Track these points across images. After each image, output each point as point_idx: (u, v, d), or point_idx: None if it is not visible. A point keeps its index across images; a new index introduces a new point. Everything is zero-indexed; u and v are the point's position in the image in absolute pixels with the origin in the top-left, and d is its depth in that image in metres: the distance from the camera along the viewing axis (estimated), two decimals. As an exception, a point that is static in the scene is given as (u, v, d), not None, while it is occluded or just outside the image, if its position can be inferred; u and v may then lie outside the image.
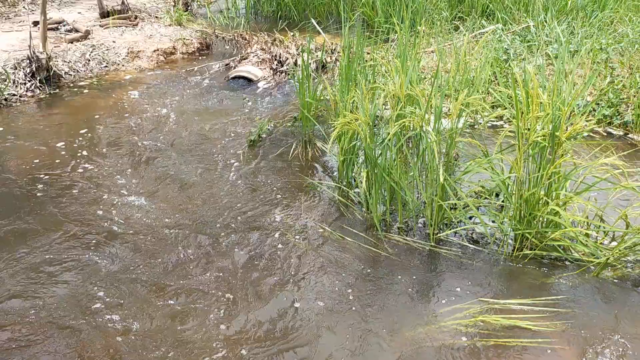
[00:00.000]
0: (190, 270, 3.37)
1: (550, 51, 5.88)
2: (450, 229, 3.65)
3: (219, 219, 3.85)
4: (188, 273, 3.35)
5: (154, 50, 7.13)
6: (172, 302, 3.11)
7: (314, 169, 4.53)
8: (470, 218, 3.76)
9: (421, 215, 3.80)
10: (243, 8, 9.02)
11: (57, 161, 4.56)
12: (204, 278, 3.30)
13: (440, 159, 3.55)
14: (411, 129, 3.79)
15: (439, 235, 3.61)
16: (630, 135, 4.91)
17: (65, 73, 6.35)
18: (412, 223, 3.77)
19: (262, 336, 2.89)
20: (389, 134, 3.61)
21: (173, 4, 8.75)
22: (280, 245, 3.57)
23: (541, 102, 3.23)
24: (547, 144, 3.23)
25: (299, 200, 4.07)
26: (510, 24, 6.86)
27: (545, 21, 6.67)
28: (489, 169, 3.53)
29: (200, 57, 7.34)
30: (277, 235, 3.68)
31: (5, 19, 7.87)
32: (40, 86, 5.96)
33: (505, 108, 4.63)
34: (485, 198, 3.78)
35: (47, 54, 6.08)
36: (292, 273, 3.34)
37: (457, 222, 3.68)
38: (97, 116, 5.43)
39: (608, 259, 3.22)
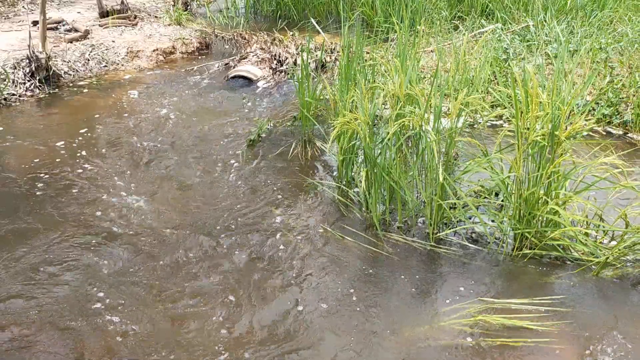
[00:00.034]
0: (191, 271, 3.37)
1: (549, 50, 5.88)
2: (450, 229, 3.65)
3: (219, 219, 3.85)
4: (189, 274, 3.34)
5: (154, 50, 7.13)
6: (173, 304, 3.11)
7: (314, 168, 4.53)
8: (470, 217, 3.76)
9: (421, 215, 3.80)
10: (242, 7, 9.01)
11: (56, 161, 4.55)
12: (205, 279, 3.29)
13: (439, 158, 3.56)
14: (410, 128, 3.79)
15: (438, 234, 3.61)
16: (629, 135, 4.91)
17: (65, 73, 6.34)
18: (412, 222, 3.77)
19: (266, 338, 2.88)
20: (388, 133, 3.61)
21: (172, 3, 8.74)
22: (281, 246, 3.57)
23: (540, 102, 3.23)
24: (546, 144, 3.23)
25: (299, 200, 4.07)
26: (510, 23, 6.86)
27: (545, 20, 6.67)
28: (488, 169, 3.53)
29: (199, 57, 7.33)
30: (277, 235, 3.68)
31: (5, 18, 7.86)
32: (40, 86, 5.96)
33: (505, 107, 4.63)
34: (485, 197, 3.78)
35: (46, 53, 6.07)
36: (294, 274, 3.34)
37: (457, 221, 3.68)
38: (96, 116, 5.43)
39: (608, 258, 3.22)
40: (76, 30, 7.34)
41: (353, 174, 4.20)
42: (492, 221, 3.65)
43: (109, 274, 3.32)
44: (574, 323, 2.95)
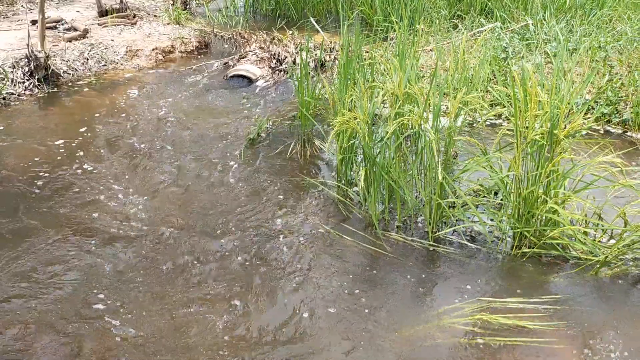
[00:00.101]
0: (192, 272, 3.36)
1: (548, 49, 5.88)
2: (449, 228, 3.65)
3: (218, 220, 3.85)
4: (189, 275, 3.34)
5: (153, 49, 7.12)
6: (174, 306, 3.09)
7: (313, 167, 4.53)
8: (469, 217, 3.75)
9: (420, 214, 3.80)
10: (242, 7, 9.00)
11: (55, 161, 4.55)
12: (206, 281, 3.28)
13: (438, 157, 3.56)
14: (410, 127, 3.79)
15: (437, 233, 3.61)
16: (628, 133, 4.91)
17: (64, 72, 6.34)
18: (411, 222, 3.77)
19: (268, 340, 2.87)
20: (387, 132, 3.61)
21: (172, 2, 8.74)
22: (281, 247, 3.57)
23: (540, 101, 3.23)
24: (545, 142, 3.23)
25: (298, 200, 4.07)
26: (509, 22, 6.86)
27: (544, 19, 6.67)
28: (487, 168, 3.53)
29: (199, 56, 7.33)
30: (277, 236, 3.67)
31: (4, 17, 7.85)
32: (39, 85, 5.95)
33: (504, 106, 4.63)
34: (484, 196, 3.78)
35: (45, 52, 6.07)
36: (294, 275, 3.34)
37: (456, 220, 3.68)
38: (95, 115, 5.42)
39: (607, 257, 3.22)
40: (75, 30, 7.33)
41: (352, 173, 4.20)
42: (491, 220, 3.65)
43: (109, 275, 3.32)
44: (573, 322, 2.95)
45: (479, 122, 4.86)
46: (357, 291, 3.19)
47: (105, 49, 6.96)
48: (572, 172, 3.34)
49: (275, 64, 6.56)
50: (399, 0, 6.79)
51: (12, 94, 5.74)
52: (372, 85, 4.14)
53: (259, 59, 6.63)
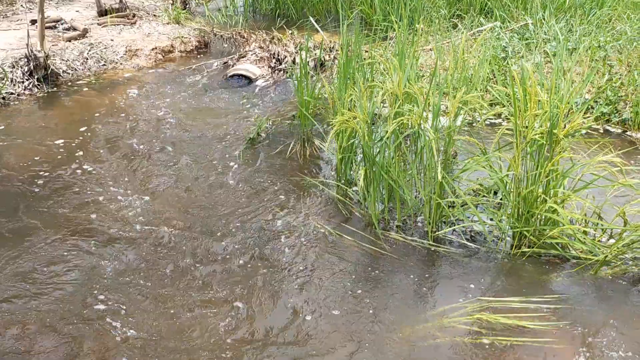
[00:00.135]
0: (193, 273, 3.36)
1: (548, 49, 5.88)
2: (449, 227, 3.65)
3: (218, 220, 3.84)
4: (190, 276, 3.33)
5: (152, 49, 7.12)
6: (175, 308, 3.08)
7: (313, 167, 4.53)
8: (469, 216, 3.75)
9: (419, 213, 3.80)
10: (241, 6, 9.00)
11: (55, 161, 4.55)
12: (207, 282, 3.27)
13: (438, 156, 3.56)
14: (409, 127, 3.79)
15: (437, 233, 3.61)
16: (628, 133, 4.92)
17: (63, 71, 6.34)
18: (411, 221, 3.77)
19: (271, 341, 2.86)
20: (387, 132, 3.61)
21: (171, 2, 8.73)
22: (282, 248, 3.57)
23: (539, 100, 3.23)
24: (545, 142, 3.23)
25: (298, 200, 4.07)
26: (509, 21, 6.86)
27: (544, 19, 6.67)
28: (487, 167, 3.53)
29: (198, 56, 7.32)
30: (278, 236, 3.67)
31: (3, 17, 7.85)
32: (38, 85, 5.95)
33: (504, 106, 4.63)
34: (484, 196, 3.78)
35: (45, 52, 6.06)
36: (297, 276, 3.33)
37: (456, 220, 3.68)
38: (95, 115, 5.42)
39: (606, 256, 3.22)
40: (75, 29, 7.33)
41: (352, 172, 4.20)
42: (491, 220, 3.65)
43: (109, 276, 3.31)
44: (572, 322, 2.95)
45: (478, 121, 4.86)
46: (357, 291, 3.19)
47: (105, 48, 6.95)
48: (572, 171, 3.34)
49: (275, 63, 6.55)
50: (398, -1, 6.78)
51: (12, 93, 5.74)
52: (372, 85, 4.14)
53: (258, 58, 6.63)
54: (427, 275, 3.33)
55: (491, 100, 5.16)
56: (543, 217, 3.37)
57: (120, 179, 4.31)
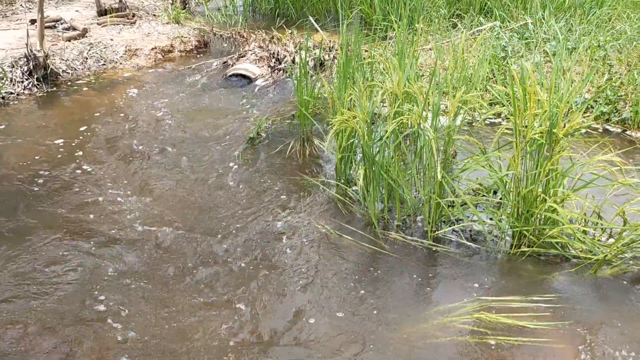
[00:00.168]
0: (194, 275, 3.35)
1: (548, 48, 5.88)
2: (448, 227, 3.65)
3: (218, 220, 3.84)
4: (192, 278, 3.33)
5: (152, 48, 7.12)
6: (175, 310, 3.08)
7: (312, 166, 4.52)
8: (468, 216, 3.75)
9: (419, 213, 3.80)
10: (241, 6, 9.01)
11: (54, 161, 4.55)
12: (208, 284, 3.26)
13: (438, 156, 3.55)
14: (409, 126, 3.79)
15: (436, 233, 3.61)
16: (628, 132, 4.92)
17: (63, 71, 6.33)
18: (410, 221, 3.77)
19: (273, 343, 2.85)
20: (386, 131, 3.61)
21: (171, 1, 8.74)
22: (283, 249, 3.56)
23: (539, 99, 3.22)
24: (544, 141, 3.22)
25: (299, 200, 4.06)
26: (508, 21, 6.86)
27: (543, 18, 6.67)
28: (486, 167, 3.53)
29: (198, 55, 7.32)
30: (279, 237, 3.66)
31: (3, 17, 7.85)
32: (38, 84, 5.95)
33: (503, 105, 4.63)
34: (483, 195, 3.78)
35: (44, 52, 6.06)
36: (299, 277, 3.32)
37: (455, 219, 3.68)
38: (94, 115, 5.42)
39: (606, 256, 3.22)
40: (74, 29, 7.33)
41: (351, 172, 4.20)
42: (490, 219, 3.65)
43: (109, 277, 3.31)
44: (572, 321, 2.95)
45: (478, 121, 4.86)
46: (357, 291, 3.19)
47: (105, 48, 6.95)
48: (571, 170, 3.34)
49: (275, 63, 6.55)
50: (398, -1, 6.78)
51: (11, 93, 5.74)
52: (371, 85, 4.14)
53: (258, 58, 6.62)
54: (426, 275, 3.32)
55: (491, 100, 5.16)
56: (543, 216, 3.37)
57: (120, 179, 4.31)
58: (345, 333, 2.90)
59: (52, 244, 3.54)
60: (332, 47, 6.67)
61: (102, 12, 7.95)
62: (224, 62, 6.83)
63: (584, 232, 3.41)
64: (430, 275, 3.33)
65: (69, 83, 6.17)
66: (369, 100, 3.87)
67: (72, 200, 4.00)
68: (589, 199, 3.46)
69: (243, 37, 7.44)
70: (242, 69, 6.40)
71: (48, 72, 6.06)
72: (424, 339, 2.85)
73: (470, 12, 7.27)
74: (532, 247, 3.38)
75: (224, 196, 4.10)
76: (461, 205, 3.70)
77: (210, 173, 4.41)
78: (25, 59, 5.99)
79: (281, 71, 6.42)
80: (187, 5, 8.80)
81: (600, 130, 4.96)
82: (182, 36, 7.49)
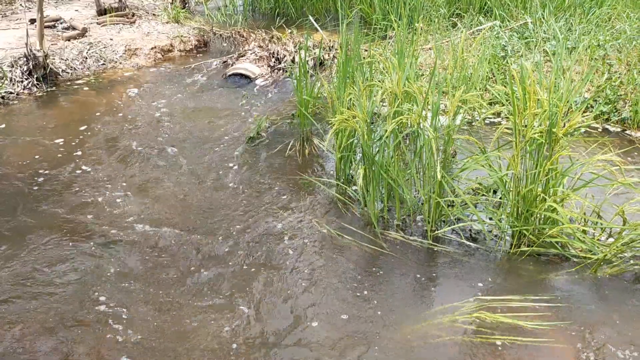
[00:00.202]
0: (195, 276, 3.35)
1: (547, 48, 5.88)
2: (448, 226, 3.65)
3: (218, 221, 3.84)
4: (192, 280, 3.33)
5: (152, 48, 7.12)
6: (176, 311, 3.07)
7: (312, 166, 4.52)
8: (468, 215, 3.75)
9: (419, 213, 3.80)
10: (241, 5, 9.01)
11: (53, 160, 4.55)
12: (209, 285, 3.26)
13: (437, 156, 3.55)
14: (408, 126, 3.79)
15: (436, 232, 3.61)
16: (627, 132, 4.92)
17: (63, 71, 6.33)
18: (410, 220, 3.77)
19: (278, 345, 2.84)
20: (386, 131, 3.61)
21: (170, 1, 8.73)
22: (283, 249, 3.55)
23: (538, 99, 3.22)
24: (544, 141, 3.22)
25: (299, 199, 4.06)
26: (508, 20, 6.86)
27: (543, 18, 6.67)
28: (486, 166, 3.53)
29: (197, 55, 7.32)
30: (279, 237, 3.66)
31: (2, 16, 7.84)
32: (37, 84, 5.95)
33: (503, 105, 4.63)
34: (483, 195, 3.78)
35: (44, 51, 6.06)
36: (301, 278, 3.31)
37: (455, 219, 3.68)
38: (94, 114, 5.42)
39: (605, 255, 3.22)
40: (74, 28, 7.33)
41: (351, 171, 4.20)
42: (490, 219, 3.65)
43: (109, 277, 3.31)
44: (571, 321, 2.95)
45: (477, 120, 4.86)
46: (357, 290, 3.19)
47: (104, 47, 6.95)
48: (571, 170, 3.34)
49: (274, 62, 6.55)
50: (397, -2, 6.78)
51: (11, 93, 5.74)
52: (371, 84, 4.14)
53: (257, 57, 6.62)
54: (426, 275, 3.32)
55: (490, 99, 5.16)
56: (542, 216, 3.37)
57: (119, 179, 4.30)
58: (346, 333, 2.90)
59: (52, 244, 3.54)
60: (332, 46, 6.67)
61: (101, 12, 7.95)
62: (224, 62, 6.83)
63: (584, 231, 3.41)
64: (430, 274, 3.33)
65: (69, 83, 6.17)
66: (369, 100, 3.87)
67: (72, 200, 4.00)
68: (589, 199, 3.46)
69: (243, 36, 7.44)
70: (241, 69, 6.40)
71: (47, 71, 6.06)
72: (424, 339, 2.85)
73: (470, 11, 7.27)
74: (532, 246, 3.38)
75: (224, 196, 4.10)
76: (461, 205, 3.70)
77: (210, 173, 4.41)
78: (24, 59, 5.98)
79: (281, 71, 6.42)
80: (186, 5, 8.80)
81: (600, 130, 4.96)
82: (181, 36, 7.49)
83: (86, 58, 6.67)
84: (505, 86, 4.69)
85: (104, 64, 6.68)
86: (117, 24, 7.77)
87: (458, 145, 4.11)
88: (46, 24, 6.91)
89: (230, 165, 4.52)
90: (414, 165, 3.76)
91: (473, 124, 4.86)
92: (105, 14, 7.91)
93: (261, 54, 6.68)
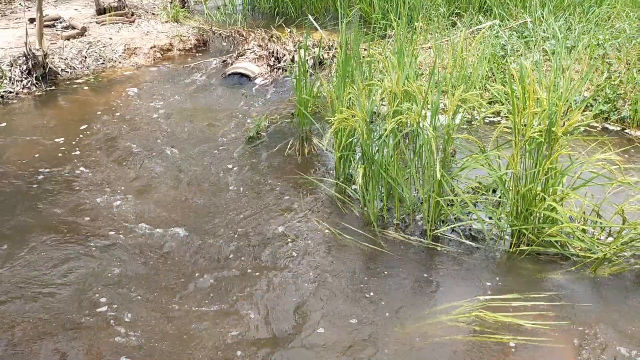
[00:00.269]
0: (195, 278, 3.35)
1: (547, 47, 5.88)
2: (447, 226, 3.65)
3: (219, 221, 3.84)
4: (193, 282, 3.32)
5: (151, 47, 7.12)
6: (176, 312, 3.06)
7: (312, 165, 4.52)
8: (468, 214, 3.75)
9: (418, 212, 3.80)
10: (240, 4, 9.01)
11: (53, 160, 4.54)
12: (209, 286, 3.26)
13: (437, 155, 3.55)
14: (408, 125, 3.79)
15: (436, 231, 3.61)
16: (627, 131, 4.92)
17: (62, 70, 6.33)
18: (410, 220, 3.77)
19: (279, 345, 2.84)
20: (385, 130, 3.61)
21: (170, 0, 8.73)
22: (283, 249, 3.54)
23: (538, 98, 3.22)
24: (543, 140, 3.22)
25: (299, 199, 4.06)
26: (508, 20, 6.86)
27: (543, 17, 6.67)
28: (485, 165, 3.53)
29: (197, 54, 7.32)
30: (279, 237, 3.65)
31: (2, 16, 7.84)
32: (37, 83, 5.95)
33: (502, 104, 4.63)
34: (482, 194, 3.78)
35: (43, 51, 6.06)
36: (299, 278, 3.30)
37: (454, 218, 3.68)
38: (93, 114, 5.42)
39: (605, 254, 3.22)
40: (73, 28, 7.32)
41: (351, 170, 4.20)
42: (490, 218, 3.65)
43: (109, 278, 3.30)
44: (571, 320, 2.95)
45: (477, 119, 4.86)
46: (357, 290, 3.19)
47: (104, 47, 6.95)
48: (571, 169, 3.34)
49: (274, 61, 6.55)
50: (397, -3, 6.78)
51: (10, 92, 5.74)
52: (371, 83, 4.14)
53: (257, 56, 6.62)
54: (426, 274, 3.32)
55: (490, 99, 5.16)
56: (542, 215, 3.37)
57: (119, 179, 4.30)
58: (345, 333, 2.90)
59: (51, 244, 3.54)
60: (332, 45, 6.66)
61: (101, 11, 7.95)
62: (223, 61, 6.82)
63: (583, 230, 3.41)
64: (429, 274, 3.33)
65: (68, 82, 6.16)
66: (368, 99, 3.87)
67: (72, 200, 4.00)
68: (588, 198, 3.46)
69: (242, 35, 7.44)
70: (241, 68, 6.40)
71: (47, 71, 6.05)
72: (424, 338, 2.85)
73: (470, 10, 7.27)
74: (532, 245, 3.38)
75: (224, 196, 4.10)
76: (460, 204, 3.70)
77: (210, 172, 4.41)
78: (24, 58, 5.98)
79: (280, 70, 6.42)
80: (186, 4, 8.79)
81: (600, 129, 4.96)
82: (181, 35, 7.49)
83: (85, 57, 6.66)
84: (504, 85, 4.70)
85: (103, 63, 6.68)
86: (116, 23, 7.77)
87: (457, 145, 4.11)
88: (45, 23, 6.91)
89: (230, 164, 4.52)
90: (414, 165, 3.76)
91: (472, 123, 4.86)
92: (104, 13, 7.91)
93: (260, 53, 6.67)
